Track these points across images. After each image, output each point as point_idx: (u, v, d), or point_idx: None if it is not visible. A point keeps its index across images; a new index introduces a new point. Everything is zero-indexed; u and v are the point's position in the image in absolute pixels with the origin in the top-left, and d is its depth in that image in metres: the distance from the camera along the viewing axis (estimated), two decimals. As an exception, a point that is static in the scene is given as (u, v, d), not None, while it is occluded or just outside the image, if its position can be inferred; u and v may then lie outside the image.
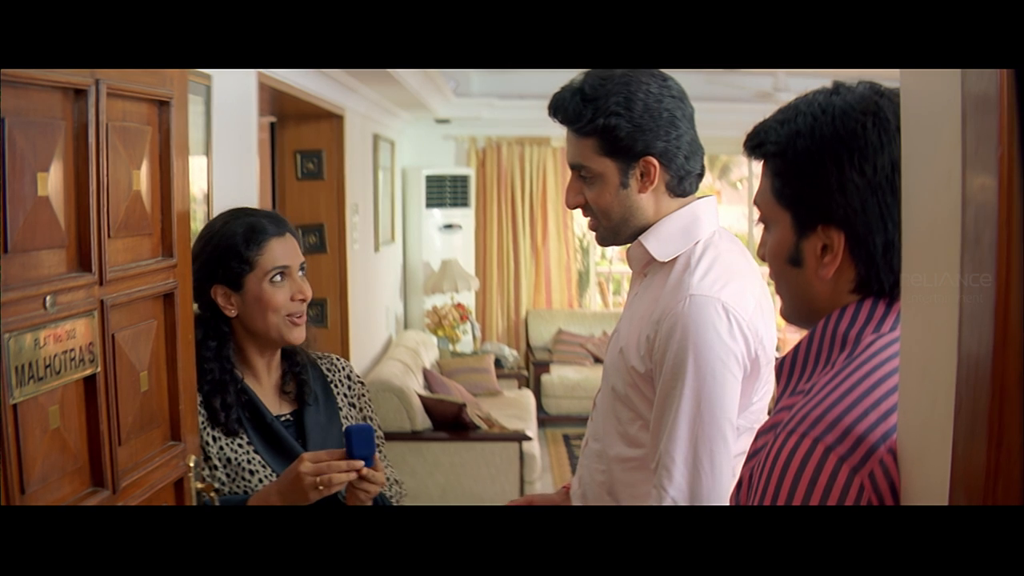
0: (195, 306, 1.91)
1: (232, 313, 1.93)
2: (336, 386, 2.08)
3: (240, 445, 1.89)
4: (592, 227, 1.82)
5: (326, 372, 2.08)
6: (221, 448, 1.88)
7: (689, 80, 2.07)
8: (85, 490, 1.42)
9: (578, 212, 1.85)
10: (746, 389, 1.66)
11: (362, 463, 1.80)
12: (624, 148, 1.70)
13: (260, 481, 1.87)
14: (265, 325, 1.93)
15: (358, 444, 1.81)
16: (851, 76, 1.22)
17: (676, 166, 1.72)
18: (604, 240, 1.83)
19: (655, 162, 1.71)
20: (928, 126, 0.90)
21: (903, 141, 1.00)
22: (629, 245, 1.80)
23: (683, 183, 1.75)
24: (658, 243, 1.74)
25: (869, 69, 0.93)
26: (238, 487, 1.87)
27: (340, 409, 2.05)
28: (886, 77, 1.09)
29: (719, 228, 1.78)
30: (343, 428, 2.02)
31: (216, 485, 1.84)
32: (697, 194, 1.80)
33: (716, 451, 1.61)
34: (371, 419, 2.10)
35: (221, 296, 1.92)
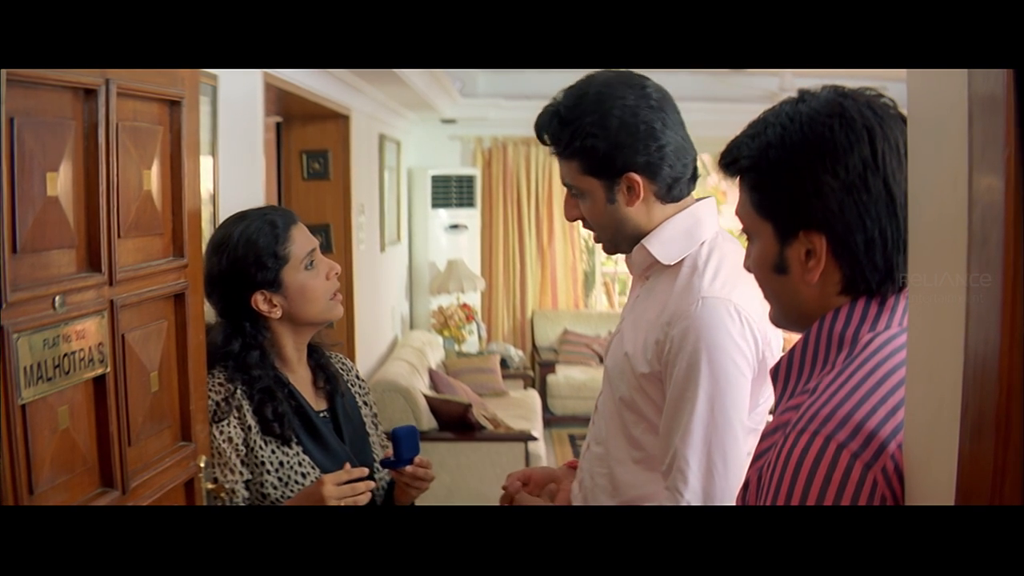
0: (221, 320, 1.94)
1: (277, 315, 1.94)
2: (351, 384, 2.12)
3: (291, 447, 1.91)
4: (596, 239, 1.82)
5: (340, 370, 2.12)
6: (272, 451, 1.89)
7: (695, 81, 2.07)
8: (94, 491, 1.42)
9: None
10: (753, 390, 1.66)
11: (373, 484, 1.90)
12: (605, 167, 1.69)
13: (311, 484, 1.89)
14: (312, 312, 1.96)
15: (407, 446, 1.94)
16: (857, 76, 1.22)
17: (662, 176, 1.70)
18: (608, 249, 1.83)
19: (638, 177, 1.69)
20: (934, 127, 0.90)
21: (909, 141, 1.00)
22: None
23: (672, 190, 1.73)
24: (662, 246, 1.73)
25: (875, 69, 0.93)
26: (291, 491, 1.88)
27: (359, 406, 2.10)
28: (891, 77, 1.09)
29: (720, 230, 1.78)
30: (364, 429, 2.09)
31: (267, 490, 1.86)
32: (699, 195, 1.79)
33: (729, 452, 1.61)
34: (377, 418, 2.14)
35: (263, 301, 1.92)
